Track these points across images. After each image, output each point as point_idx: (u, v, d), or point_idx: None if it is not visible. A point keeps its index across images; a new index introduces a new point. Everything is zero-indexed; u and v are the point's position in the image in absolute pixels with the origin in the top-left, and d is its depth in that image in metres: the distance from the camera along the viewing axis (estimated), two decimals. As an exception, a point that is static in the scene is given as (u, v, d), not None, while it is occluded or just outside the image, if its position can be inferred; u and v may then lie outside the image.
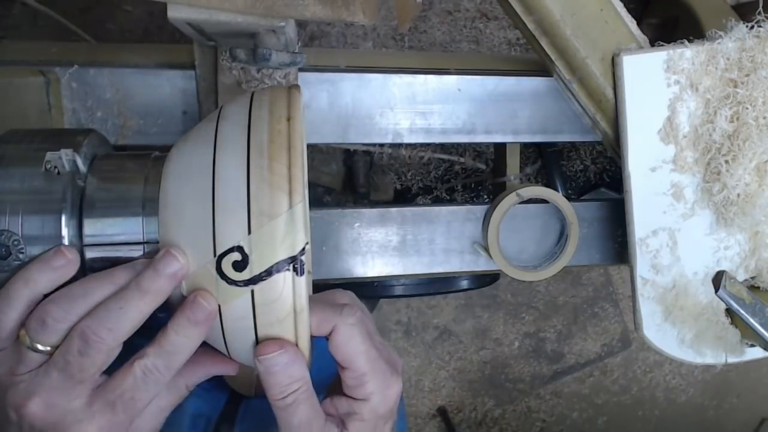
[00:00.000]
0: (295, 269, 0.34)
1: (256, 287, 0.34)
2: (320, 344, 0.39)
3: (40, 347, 0.34)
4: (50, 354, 0.35)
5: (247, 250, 0.34)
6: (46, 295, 0.35)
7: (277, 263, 0.34)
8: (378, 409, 0.39)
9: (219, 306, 0.35)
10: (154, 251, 0.37)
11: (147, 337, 0.36)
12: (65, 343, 0.34)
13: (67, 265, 0.35)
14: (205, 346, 0.38)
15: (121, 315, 0.34)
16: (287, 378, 0.35)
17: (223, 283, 0.34)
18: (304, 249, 0.34)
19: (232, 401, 0.60)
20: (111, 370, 0.36)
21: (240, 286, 0.34)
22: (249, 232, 0.34)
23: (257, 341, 0.35)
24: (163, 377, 0.35)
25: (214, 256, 0.34)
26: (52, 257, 0.35)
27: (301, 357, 0.36)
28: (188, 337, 0.35)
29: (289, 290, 0.34)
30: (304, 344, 0.36)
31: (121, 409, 0.35)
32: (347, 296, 0.41)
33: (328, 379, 0.43)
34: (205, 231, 0.34)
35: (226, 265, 0.34)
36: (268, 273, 0.34)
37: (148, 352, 0.35)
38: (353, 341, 0.38)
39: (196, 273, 0.35)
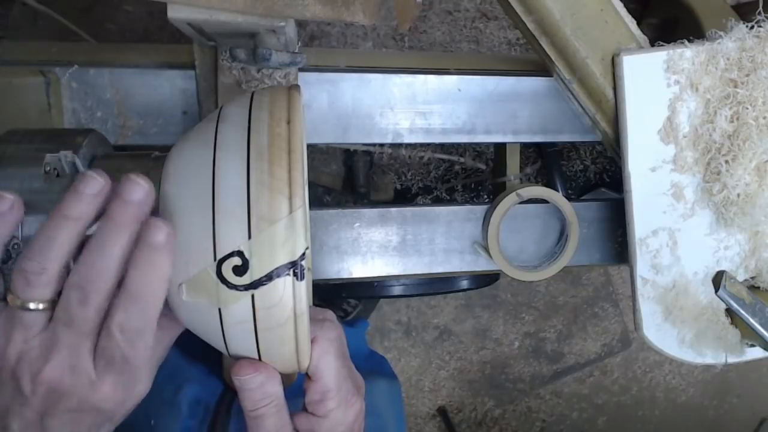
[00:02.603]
0: (295, 274, 0.34)
1: (257, 292, 0.34)
2: None
3: (32, 306, 0.34)
4: (45, 310, 0.34)
5: (247, 255, 0.34)
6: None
7: (277, 268, 0.34)
8: (336, 428, 0.40)
9: (219, 309, 0.35)
10: None
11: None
12: (62, 299, 0.34)
13: (12, 207, 0.34)
14: None
15: (106, 253, 0.33)
16: (260, 395, 0.38)
17: (223, 287, 0.34)
18: (304, 254, 0.34)
19: (229, 389, 0.61)
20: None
21: (240, 290, 0.34)
22: (249, 237, 0.33)
23: (258, 345, 0.35)
24: (144, 327, 0.34)
25: (215, 260, 0.34)
26: (85, 184, 0.34)
27: (274, 377, 0.38)
28: (152, 268, 0.33)
29: (289, 295, 0.34)
30: (304, 347, 0.36)
31: (122, 364, 0.35)
32: (328, 313, 0.42)
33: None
34: (206, 235, 0.34)
35: (227, 270, 0.34)
36: (269, 278, 0.34)
37: (116, 306, 0.34)
38: (328, 356, 0.39)
39: (196, 277, 0.35)
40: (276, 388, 0.38)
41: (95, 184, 0.34)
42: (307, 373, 0.40)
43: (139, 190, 0.34)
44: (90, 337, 0.34)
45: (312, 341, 0.39)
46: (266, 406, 0.38)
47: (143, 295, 0.34)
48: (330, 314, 0.42)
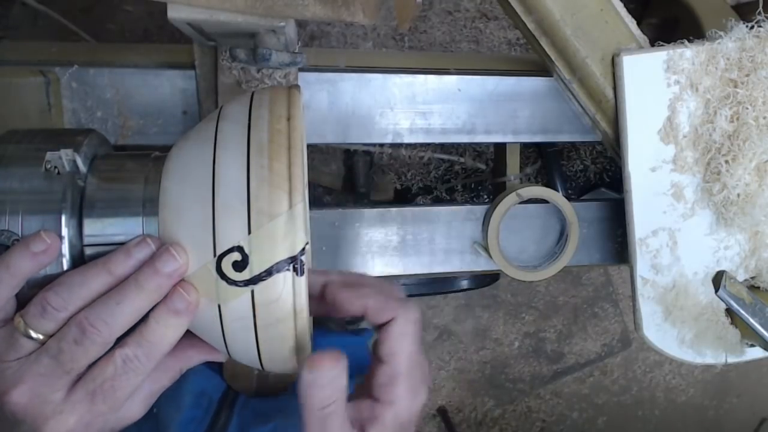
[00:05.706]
0: (295, 269, 0.34)
1: (256, 287, 0.34)
2: (329, 342, 0.39)
3: (33, 334, 0.34)
4: (41, 343, 0.35)
5: (247, 250, 0.34)
6: (50, 280, 0.35)
7: (277, 263, 0.34)
8: (401, 416, 0.37)
9: (219, 306, 0.35)
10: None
11: None
12: (62, 330, 0.34)
13: (46, 250, 0.35)
14: None
15: (117, 310, 0.34)
16: (330, 391, 0.34)
17: (223, 283, 0.34)
18: (304, 249, 0.34)
19: (231, 388, 0.61)
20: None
21: (240, 286, 0.34)
22: (249, 232, 0.34)
23: (257, 342, 0.35)
24: (144, 367, 0.35)
25: (214, 256, 0.34)
26: (31, 242, 0.35)
27: (345, 371, 0.35)
28: (168, 326, 0.35)
29: (289, 290, 0.34)
30: (303, 345, 0.36)
31: (101, 399, 0.35)
32: (399, 290, 0.40)
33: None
34: (205, 231, 0.34)
35: (226, 265, 0.34)
36: (268, 273, 0.34)
37: (128, 341, 0.35)
38: (406, 339, 0.37)
39: (196, 273, 0.35)
40: (345, 381, 0.35)
41: (147, 249, 0.36)
42: (375, 353, 0.37)
43: (173, 263, 0.35)
44: (71, 374, 0.35)
45: (390, 322, 0.36)
46: (334, 403, 0.34)
47: (156, 343, 0.35)
48: (401, 291, 0.39)
